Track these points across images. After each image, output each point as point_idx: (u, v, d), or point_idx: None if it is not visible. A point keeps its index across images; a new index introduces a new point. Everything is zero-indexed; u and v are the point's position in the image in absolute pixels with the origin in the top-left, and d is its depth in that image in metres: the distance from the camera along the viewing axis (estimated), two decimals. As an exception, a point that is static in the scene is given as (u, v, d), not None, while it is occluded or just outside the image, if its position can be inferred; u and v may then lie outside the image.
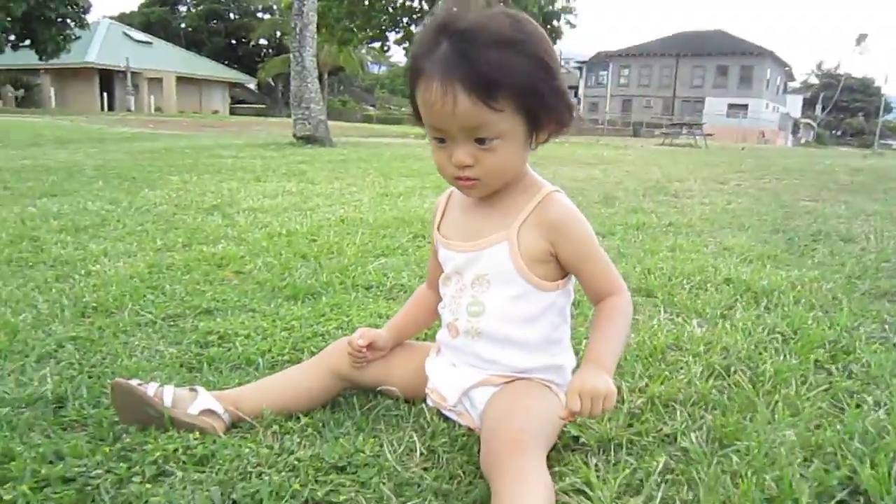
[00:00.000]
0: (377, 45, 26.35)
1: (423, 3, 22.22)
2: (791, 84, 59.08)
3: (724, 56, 47.36)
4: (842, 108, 66.14)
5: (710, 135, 21.41)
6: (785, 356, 1.56)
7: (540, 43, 1.08)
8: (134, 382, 1.20)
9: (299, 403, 1.28)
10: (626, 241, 3.26)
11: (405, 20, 22.94)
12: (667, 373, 1.45)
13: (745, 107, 46.24)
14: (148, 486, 0.99)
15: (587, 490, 1.00)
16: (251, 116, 34.07)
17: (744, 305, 2.02)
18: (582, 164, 9.37)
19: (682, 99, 48.59)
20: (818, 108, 55.90)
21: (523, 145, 1.13)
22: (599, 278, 1.19)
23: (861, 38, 48.94)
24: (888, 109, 52.98)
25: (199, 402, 1.20)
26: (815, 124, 58.21)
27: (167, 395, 1.19)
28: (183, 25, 49.64)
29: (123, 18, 45.64)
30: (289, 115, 11.42)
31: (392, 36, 23.78)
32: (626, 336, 1.17)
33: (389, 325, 1.39)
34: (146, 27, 43.79)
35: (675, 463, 1.08)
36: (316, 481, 1.01)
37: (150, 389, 1.19)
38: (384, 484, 1.01)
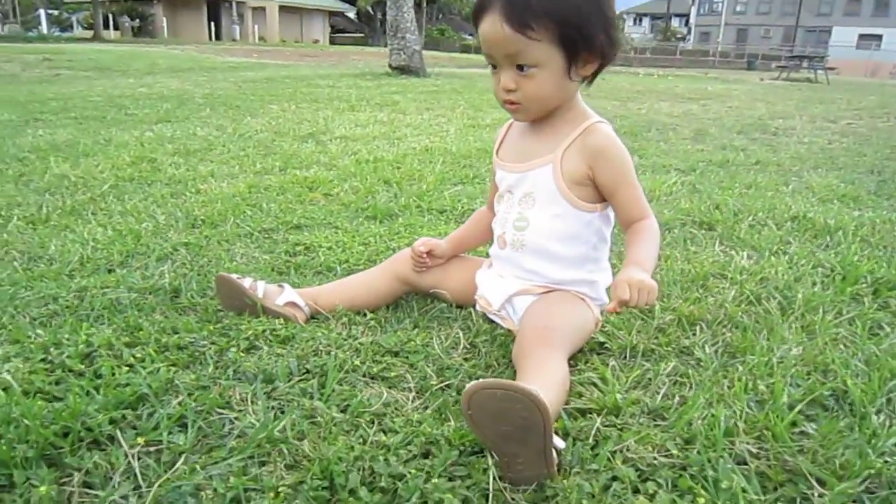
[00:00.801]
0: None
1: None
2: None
3: (858, -22, 42.95)
4: None
5: (832, 68, 19.76)
6: (824, 287, 1.63)
7: None
8: (234, 276, 1.45)
9: (368, 301, 1.50)
10: (705, 176, 3.26)
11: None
12: (701, 296, 1.57)
13: (880, 37, 41.97)
14: (242, 354, 1.24)
15: (601, 384, 1.17)
16: (350, 46, 34.45)
17: (801, 242, 2.06)
18: (682, 98, 9.04)
19: (806, 29, 44.69)
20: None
21: (562, 75, 1.22)
22: (632, 203, 1.29)
23: None
24: None
25: (285, 296, 1.44)
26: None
27: (260, 288, 1.44)
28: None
29: (230, -53, 46.49)
30: (387, 45, 11.57)
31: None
32: (657, 252, 1.24)
33: (450, 237, 1.57)
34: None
35: (685, 368, 1.22)
36: (373, 361, 1.23)
37: (247, 283, 1.44)
38: (429, 367, 1.22)
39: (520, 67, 1.21)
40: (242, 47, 24.59)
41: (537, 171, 1.32)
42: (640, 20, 65.30)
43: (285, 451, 0.95)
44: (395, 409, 1.07)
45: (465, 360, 1.27)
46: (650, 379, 1.18)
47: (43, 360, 1.19)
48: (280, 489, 0.86)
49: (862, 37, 42.17)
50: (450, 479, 0.89)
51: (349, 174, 3.14)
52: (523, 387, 0.86)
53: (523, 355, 1.15)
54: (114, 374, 1.14)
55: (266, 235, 2.13)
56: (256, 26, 35.74)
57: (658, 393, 1.13)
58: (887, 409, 1.08)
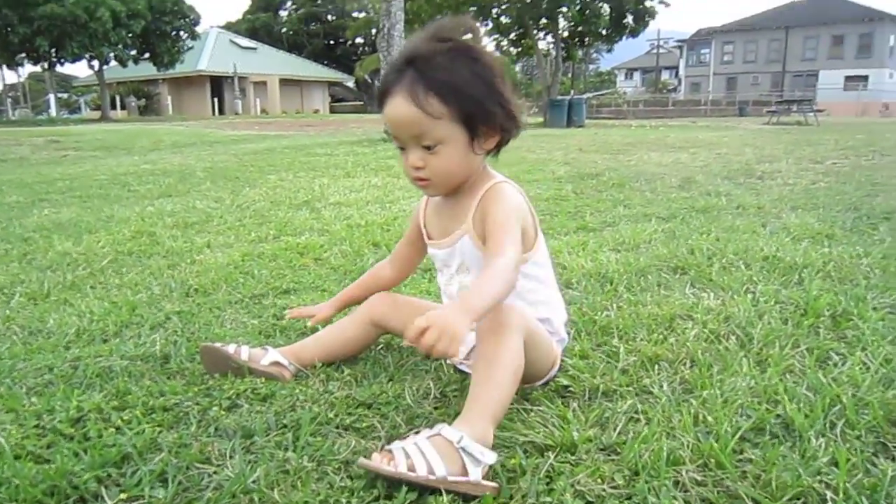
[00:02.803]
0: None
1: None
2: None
3: (839, 24, 44.05)
4: None
5: (821, 110, 20.18)
6: (783, 322, 1.70)
7: (481, 59, 1.29)
8: (218, 345, 1.55)
9: (345, 351, 1.60)
10: (685, 222, 3.36)
11: (494, 11, 23.10)
12: (665, 337, 1.64)
13: (865, 78, 42.88)
14: (224, 413, 1.32)
15: (560, 423, 1.23)
16: (350, 114, 35.40)
17: (768, 281, 2.14)
18: (672, 148, 9.24)
19: (794, 73, 45.76)
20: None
21: (465, 150, 1.31)
22: (493, 241, 1.29)
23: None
24: None
25: (269, 356, 1.53)
26: (948, 93, 53.12)
27: (244, 352, 1.53)
28: (284, 30, 52.10)
29: (230, 27, 48.55)
30: None
31: (482, 29, 23.98)
32: (499, 289, 1.19)
33: (339, 297, 1.74)
34: (251, 33, 46.44)
35: (643, 405, 1.29)
36: (347, 413, 1.30)
37: (231, 349, 1.53)
38: (399, 416, 1.29)
39: (426, 147, 1.29)
40: (245, 120, 25.32)
41: (459, 242, 1.42)
42: (632, 74, 66.97)
43: (256, 499, 1.02)
44: (364, 456, 1.14)
45: (435, 408, 1.34)
46: (608, 417, 1.25)
47: (36, 425, 1.27)
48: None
49: (848, 78, 43.06)
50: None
51: (340, 239, 3.25)
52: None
53: (479, 348, 1.23)
54: (101, 436, 1.21)
55: (255, 301, 2.22)
56: (258, 99, 36.90)
57: (615, 430, 1.19)
58: (829, 432, 1.14)
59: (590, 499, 0.99)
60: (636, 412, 1.26)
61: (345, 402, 1.35)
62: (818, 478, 0.99)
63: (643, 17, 22.19)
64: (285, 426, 1.25)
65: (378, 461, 1.03)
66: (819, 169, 6.21)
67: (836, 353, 1.51)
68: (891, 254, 2.47)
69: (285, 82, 38.94)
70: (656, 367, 1.47)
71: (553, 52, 23.44)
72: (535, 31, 22.96)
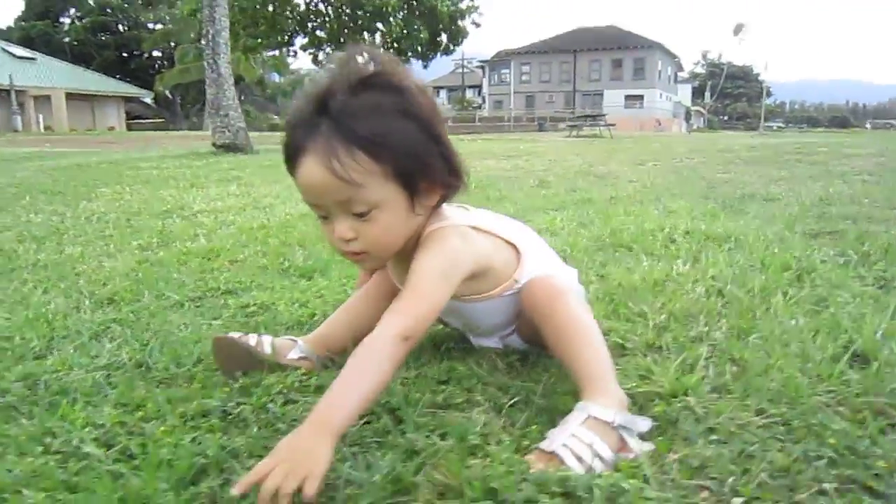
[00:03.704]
0: (277, 53, 26.00)
1: (328, 7, 22.16)
2: (680, 74, 62.57)
3: (617, 50, 49.75)
4: (727, 95, 70.70)
5: (612, 125, 22.44)
6: (764, 278, 1.84)
7: (411, 98, 1.06)
8: (235, 335, 1.30)
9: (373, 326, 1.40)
10: (579, 212, 3.52)
11: (311, 25, 22.83)
12: (674, 296, 1.69)
13: (641, 97, 48.69)
14: (284, 408, 1.12)
15: (650, 375, 1.21)
16: (150, 131, 32.75)
17: (712, 249, 2.30)
18: (503, 156, 9.71)
19: (582, 93, 50.52)
20: (706, 95, 59.52)
21: (406, 213, 1.10)
22: (394, 302, 1.10)
23: (738, 28, 52.34)
24: (768, 94, 57.10)
25: (298, 350, 1.33)
26: (704, 111, 62.03)
27: (266, 344, 1.30)
28: (67, 39, 47.01)
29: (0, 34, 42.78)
30: (191, 128, 11.18)
31: (298, 41, 23.60)
32: (368, 390, 0.96)
33: (315, 337, 1.38)
34: (26, 42, 41.22)
35: (714, 351, 1.31)
36: (432, 391, 1.16)
37: (251, 340, 1.30)
38: (488, 390, 1.18)
39: (357, 214, 1.07)
40: (28, 138, 22.35)
41: None
42: (438, 92, 69.54)
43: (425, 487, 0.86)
44: (492, 427, 1.02)
45: (514, 378, 1.25)
46: (691, 364, 1.25)
47: (45, 451, 0.98)
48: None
49: (627, 97, 48.56)
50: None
51: (242, 241, 2.96)
52: None
53: (548, 315, 1.16)
54: (146, 453, 0.97)
55: (198, 304, 1.94)
56: (41, 116, 32.74)
57: (708, 373, 1.20)
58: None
59: (752, 431, 0.97)
60: (712, 356, 1.28)
61: (420, 380, 1.21)
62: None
63: (457, 36, 23.22)
64: (373, 413, 1.09)
65: (545, 463, 0.92)
66: (646, 170, 6.88)
67: (823, 297, 1.66)
68: (771, 225, 2.78)
69: (73, 97, 35.00)
70: (694, 320, 1.50)
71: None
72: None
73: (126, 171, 7.93)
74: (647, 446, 0.97)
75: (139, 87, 41.99)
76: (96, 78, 39.19)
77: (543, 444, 0.95)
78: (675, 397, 1.11)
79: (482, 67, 59.82)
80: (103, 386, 1.25)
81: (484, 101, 59.64)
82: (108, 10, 47.06)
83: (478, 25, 23.19)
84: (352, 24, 21.99)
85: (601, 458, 0.92)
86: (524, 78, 54.79)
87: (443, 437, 0.99)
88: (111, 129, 34.82)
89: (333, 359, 1.34)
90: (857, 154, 8.59)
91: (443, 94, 68.75)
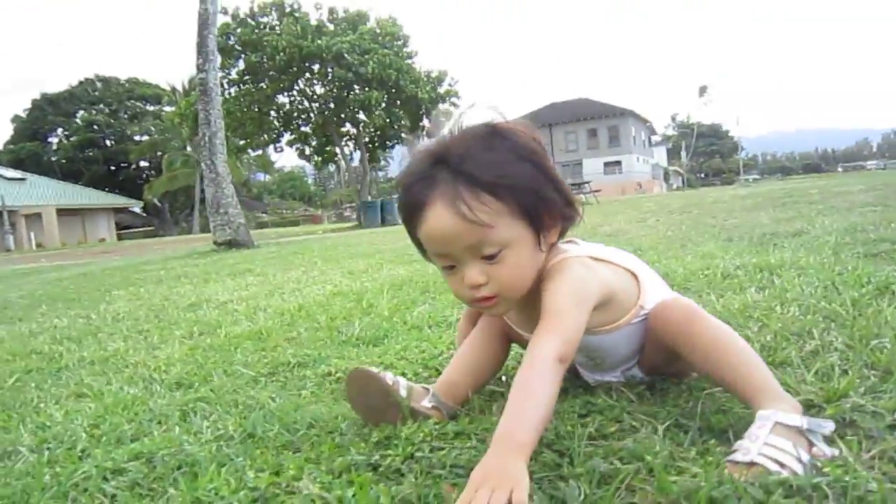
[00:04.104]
0: (261, 152, 26.65)
1: (312, 104, 22.88)
2: (654, 137, 64.42)
3: (591, 120, 51.37)
4: (700, 153, 72.78)
5: (598, 191, 22.88)
6: (850, 294, 1.83)
7: (526, 145, 1.10)
8: (373, 370, 1.28)
9: (492, 372, 1.40)
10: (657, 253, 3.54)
11: (297, 122, 23.49)
12: (768, 319, 1.67)
13: (619, 163, 49.92)
14: (435, 454, 1.07)
15: (794, 387, 1.18)
16: (141, 239, 32.97)
17: (776, 277, 2.30)
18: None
19: (562, 163, 51.69)
20: (682, 154, 61.19)
21: (533, 249, 1.12)
22: (537, 330, 1.08)
23: (703, 90, 54.48)
24: (740, 149, 58.85)
25: (431, 399, 1.29)
26: (682, 171, 63.60)
27: (402, 386, 1.27)
28: (56, 158, 47.96)
29: (-10, 159, 43.63)
30: (181, 233, 11.25)
31: (284, 138, 24.19)
32: (542, 410, 0.97)
33: (449, 381, 1.35)
34: (17, 164, 42.04)
35: (842, 358, 1.29)
36: (580, 424, 1.12)
37: (388, 379, 1.27)
38: (635, 416, 1.15)
39: (487, 257, 1.08)
40: (21, 255, 22.40)
41: None
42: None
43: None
44: (664, 449, 0.98)
45: (652, 405, 1.21)
46: (826, 374, 1.22)
47: None
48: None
49: (606, 164, 49.76)
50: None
51: (286, 321, 2.93)
52: None
53: (688, 335, 1.13)
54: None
55: (273, 378, 1.89)
56: (32, 233, 32.95)
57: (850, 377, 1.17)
58: None
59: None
60: (843, 364, 1.25)
61: (563, 416, 1.17)
62: None
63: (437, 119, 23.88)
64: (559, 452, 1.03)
65: (746, 473, 0.88)
66: (651, 224, 6.97)
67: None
68: (818, 254, 2.80)
69: (64, 212, 35.37)
70: (801, 336, 1.48)
71: (357, 158, 24.24)
72: (338, 139, 23.61)
73: (133, 274, 7.91)
74: (834, 449, 0.93)
75: (129, 197, 42.61)
76: (85, 192, 39.80)
77: (737, 456, 0.91)
78: (830, 402, 1.08)
79: (462, 149, 61.31)
80: (230, 456, 1.19)
81: (467, 180, 60.84)
82: (95, 127, 48.28)
83: (457, 107, 23.78)
84: (335, 119, 22.67)
85: (801, 462, 0.89)
86: (504, 154, 56.17)
87: (621, 461, 0.95)
88: (102, 240, 35.02)
89: (458, 410, 1.30)
90: (849, 192, 8.77)
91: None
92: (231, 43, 20.10)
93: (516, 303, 1.17)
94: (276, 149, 24.36)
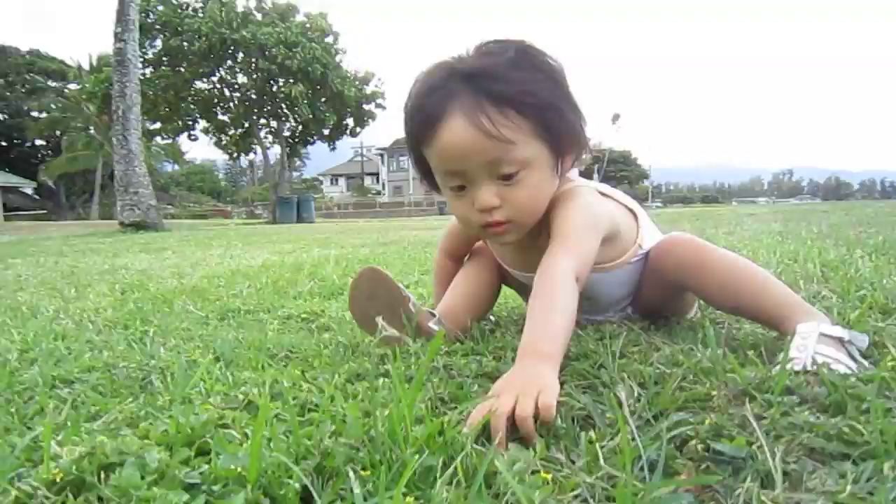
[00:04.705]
0: (171, 141, 25.50)
1: (233, 93, 22.09)
2: (567, 159, 66.18)
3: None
4: (611, 178, 75.88)
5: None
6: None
7: (546, 60, 1.05)
8: (389, 274, 1.18)
9: (490, 301, 1.37)
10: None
11: (215, 111, 22.60)
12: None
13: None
14: (453, 359, 0.97)
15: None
16: (32, 221, 30.66)
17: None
18: (438, 228, 9.77)
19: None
20: (595, 177, 63.44)
21: (551, 173, 1.06)
22: (549, 252, 1.02)
23: (615, 118, 56.72)
24: (647, 176, 61.91)
25: (437, 323, 1.21)
26: (593, 193, 65.64)
27: (412, 303, 1.17)
28: (-63, 129, 43.91)
29: None
30: (76, 218, 10.47)
31: (200, 125, 23.21)
32: (565, 321, 0.91)
33: (450, 307, 1.29)
34: None
35: None
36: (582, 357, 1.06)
37: (403, 290, 1.19)
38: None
39: (504, 176, 1.02)
40: None
41: None
42: (337, 180, 70.07)
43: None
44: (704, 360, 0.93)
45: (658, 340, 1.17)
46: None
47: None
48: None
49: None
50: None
51: (221, 284, 2.72)
52: None
53: (695, 265, 1.11)
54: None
55: (225, 320, 1.73)
56: None
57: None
58: None
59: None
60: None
61: (584, 340, 1.10)
62: None
63: (363, 119, 23.65)
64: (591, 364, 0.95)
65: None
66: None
67: None
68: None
69: (-58, 188, 32.36)
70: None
71: (278, 151, 23.56)
72: (258, 131, 22.87)
73: (29, 248, 7.29)
74: (867, 363, 0.92)
75: (20, 176, 39.51)
76: (-30, 167, 36.59)
77: (789, 367, 0.87)
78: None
79: (381, 155, 61.09)
80: (207, 369, 1.05)
81: (384, 186, 60.62)
82: (-14, 99, 44.62)
83: (384, 108, 23.72)
84: (256, 110, 21.95)
85: (850, 370, 0.86)
86: (423, 164, 56.34)
87: (664, 366, 0.89)
88: (-14, 220, 32.23)
89: (461, 336, 1.22)
90: (755, 213, 9.35)
91: (342, 181, 69.38)
92: (150, 21, 19.08)
93: (526, 231, 1.11)
94: (190, 136, 23.25)
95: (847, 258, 2.13)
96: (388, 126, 54.48)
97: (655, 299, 1.29)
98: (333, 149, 25.05)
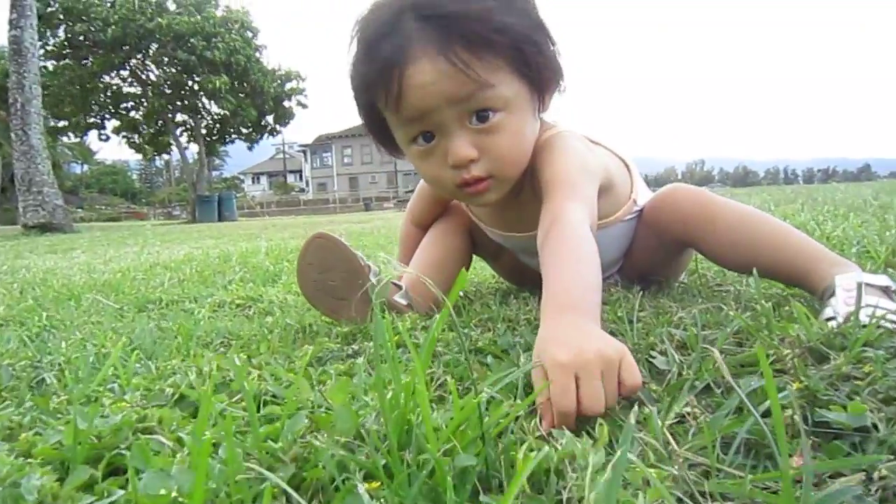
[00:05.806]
0: (78, 140, 24.02)
1: (146, 87, 20.97)
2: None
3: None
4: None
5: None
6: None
7: None
8: (342, 240, 0.99)
9: (459, 268, 1.16)
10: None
11: (126, 107, 21.39)
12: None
13: (459, 173, 51.30)
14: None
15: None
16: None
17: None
18: (364, 222, 9.53)
19: (404, 172, 52.17)
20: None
21: (531, 115, 0.92)
22: (550, 204, 0.87)
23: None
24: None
25: (404, 296, 1.06)
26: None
27: (373, 273, 0.98)
28: None
29: None
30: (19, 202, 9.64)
31: (111, 124, 21.93)
32: (594, 271, 0.76)
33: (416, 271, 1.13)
34: None
35: None
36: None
37: (360, 259, 1.00)
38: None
39: (479, 118, 0.86)
40: None
41: None
42: (258, 179, 68.16)
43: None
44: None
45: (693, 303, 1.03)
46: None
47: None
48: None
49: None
50: None
51: (138, 277, 2.45)
52: None
53: (700, 217, 1.00)
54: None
55: (145, 313, 1.49)
56: None
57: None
58: None
59: None
60: None
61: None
62: None
63: (283, 117, 22.92)
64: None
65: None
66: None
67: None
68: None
69: None
70: None
71: (196, 150, 22.54)
72: (174, 128, 21.79)
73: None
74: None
75: None
76: None
77: (833, 323, 0.74)
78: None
79: (303, 151, 59.79)
80: (123, 360, 0.83)
81: (307, 184, 59.41)
82: None
83: (304, 106, 23.01)
84: (171, 106, 20.86)
85: None
86: (346, 160, 55.51)
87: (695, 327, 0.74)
88: None
89: (433, 310, 1.06)
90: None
91: (263, 179, 67.58)
92: (52, 10, 17.77)
93: (509, 187, 0.94)
94: (100, 136, 21.87)
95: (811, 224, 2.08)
96: (310, 122, 53.31)
97: (647, 262, 1.15)
98: (251, 148, 24.22)
